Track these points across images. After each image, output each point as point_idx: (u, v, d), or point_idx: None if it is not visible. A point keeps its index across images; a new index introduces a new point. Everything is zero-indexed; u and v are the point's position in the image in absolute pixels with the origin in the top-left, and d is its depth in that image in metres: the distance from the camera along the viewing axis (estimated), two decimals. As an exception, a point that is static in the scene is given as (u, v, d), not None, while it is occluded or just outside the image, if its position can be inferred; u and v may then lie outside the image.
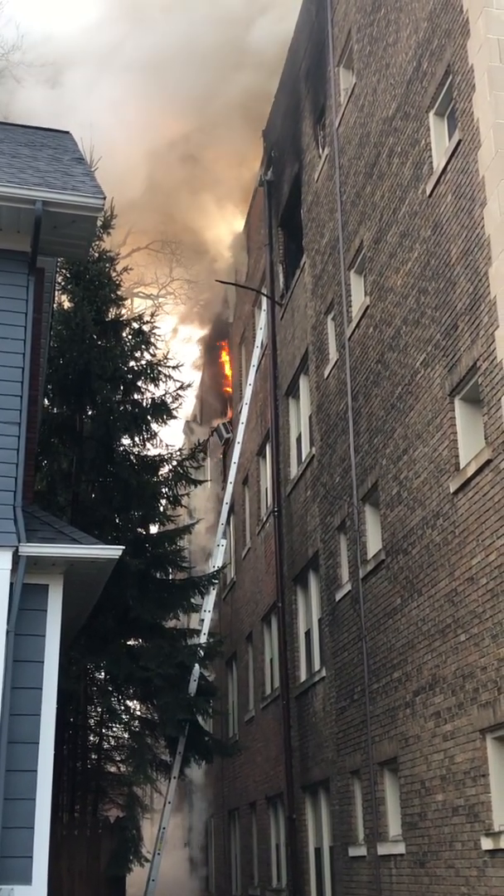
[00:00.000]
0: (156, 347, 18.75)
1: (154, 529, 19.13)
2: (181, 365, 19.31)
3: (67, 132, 14.77)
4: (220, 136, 24.35)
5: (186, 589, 18.44)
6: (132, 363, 18.49)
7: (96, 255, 18.41)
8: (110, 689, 17.86)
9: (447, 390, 11.87)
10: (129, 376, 18.35)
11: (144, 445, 18.69)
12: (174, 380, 18.73)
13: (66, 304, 18.17)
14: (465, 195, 11.57)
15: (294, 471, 19.84)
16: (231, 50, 22.26)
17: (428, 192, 12.69)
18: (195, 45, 22.11)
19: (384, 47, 14.77)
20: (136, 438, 18.60)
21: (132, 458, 18.48)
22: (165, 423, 18.73)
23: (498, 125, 10.87)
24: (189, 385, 19.35)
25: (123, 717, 18.40)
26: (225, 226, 27.62)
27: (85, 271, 18.08)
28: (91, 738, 18.88)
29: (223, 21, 21.97)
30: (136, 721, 18.49)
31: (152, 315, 19.09)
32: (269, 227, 22.32)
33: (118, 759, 19.18)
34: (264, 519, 22.15)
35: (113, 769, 19.29)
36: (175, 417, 18.84)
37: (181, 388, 18.81)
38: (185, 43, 22.10)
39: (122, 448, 18.50)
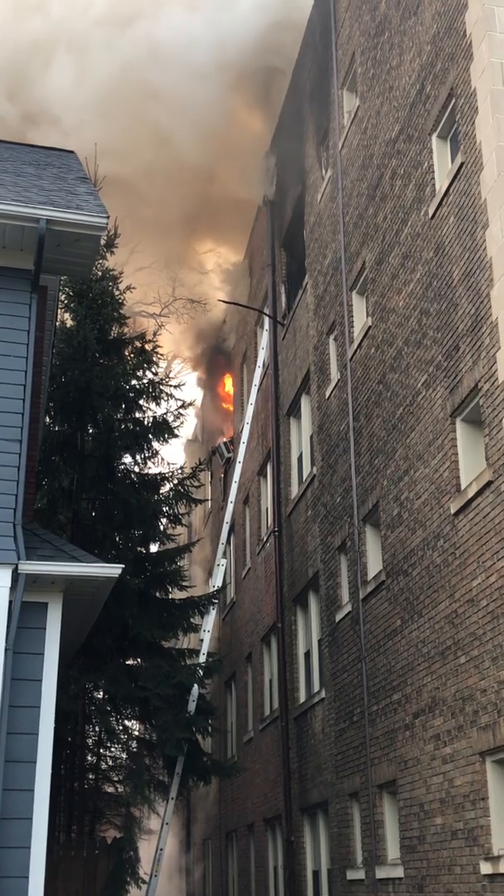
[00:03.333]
0: (157, 366, 18.79)
1: (154, 548, 19.11)
2: (183, 384, 19.38)
3: (72, 151, 14.85)
4: (224, 156, 24.44)
5: (186, 608, 18.39)
6: (134, 381, 18.51)
7: (99, 273, 18.46)
8: (108, 708, 17.78)
9: (448, 411, 11.87)
10: (131, 394, 18.37)
11: (145, 464, 18.70)
12: (175, 398, 18.76)
13: (69, 322, 18.20)
14: (467, 217, 11.61)
15: (295, 490, 19.83)
16: (235, 71, 22.37)
17: (430, 214, 12.74)
18: (196, 64, 22.22)
19: (387, 70, 14.86)
20: (137, 457, 18.61)
21: (133, 476, 18.48)
22: (166, 442, 18.75)
23: (500, 148, 10.92)
24: (190, 404, 19.37)
25: (121, 736, 18.32)
26: (227, 246, 27.71)
27: (88, 290, 18.13)
28: (89, 758, 18.77)
29: (225, 43, 22.10)
30: (135, 741, 18.41)
31: (154, 334, 19.14)
32: (271, 248, 22.41)
33: (116, 779, 19.08)
34: (265, 539, 22.11)
35: (110, 789, 19.19)
36: (176, 436, 18.85)
37: (182, 406, 18.84)
38: (186, 63, 22.21)
39: (122, 466, 18.50)
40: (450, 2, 12.44)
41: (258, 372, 22.31)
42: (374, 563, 14.63)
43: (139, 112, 23.34)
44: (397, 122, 14.30)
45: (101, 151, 17.96)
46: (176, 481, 18.77)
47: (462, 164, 11.80)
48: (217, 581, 20.29)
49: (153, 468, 18.82)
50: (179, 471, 19.10)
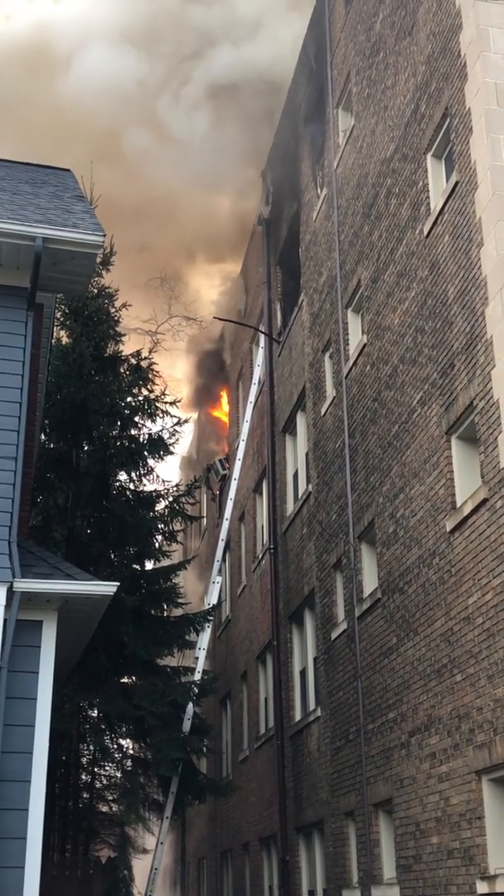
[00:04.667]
0: (153, 383, 18.80)
1: (149, 566, 19.07)
2: (178, 401, 19.36)
3: (68, 170, 14.89)
4: (219, 174, 24.57)
5: (181, 626, 18.34)
6: (129, 399, 18.51)
7: (95, 291, 18.49)
8: (103, 727, 17.70)
9: (444, 429, 11.89)
10: (127, 412, 18.37)
11: (141, 481, 18.68)
12: (171, 416, 18.76)
13: (65, 340, 18.21)
14: (462, 236, 11.66)
15: (290, 508, 19.82)
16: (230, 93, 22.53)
17: (425, 233, 12.79)
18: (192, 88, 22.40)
19: (383, 90, 14.96)
20: (133, 474, 18.59)
21: (128, 493, 18.46)
22: (162, 459, 18.72)
23: (495, 167, 10.99)
24: (186, 421, 19.38)
25: (116, 755, 18.23)
26: (223, 264, 27.79)
27: (84, 307, 18.16)
28: (83, 777, 18.68)
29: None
30: (129, 760, 18.32)
31: (150, 351, 19.16)
32: (267, 266, 22.48)
33: (110, 798, 18.99)
34: (260, 556, 22.09)
35: (105, 808, 19.09)
36: (172, 453, 18.84)
37: (178, 423, 18.84)
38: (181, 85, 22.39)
39: (118, 483, 18.48)
40: (444, 22, 12.54)
41: (254, 389, 22.34)
42: (369, 581, 14.61)
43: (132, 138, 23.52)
44: (392, 141, 14.38)
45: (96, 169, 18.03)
46: (171, 498, 18.76)
47: (457, 183, 11.86)
48: (212, 598, 20.24)
49: (148, 485, 18.81)
50: (175, 488, 19.09)
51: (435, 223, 12.50)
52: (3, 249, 10.66)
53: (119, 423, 18.35)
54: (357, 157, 16.11)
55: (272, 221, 22.57)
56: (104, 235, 10.95)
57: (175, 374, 29.19)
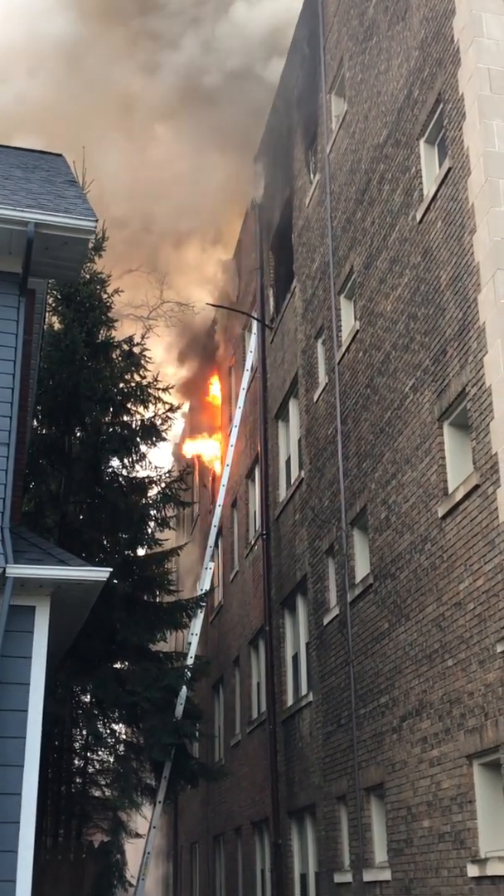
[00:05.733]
0: (145, 369, 18.78)
1: (142, 552, 19.08)
2: (171, 387, 19.35)
3: (60, 155, 14.84)
4: (211, 159, 24.51)
5: (174, 611, 18.38)
6: (122, 385, 18.49)
7: (87, 276, 18.45)
8: (96, 712, 17.75)
9: (436, 415, 11.91)
10: (119, 398, 18.35)
11: (133, 467, 18.67)
12: (163, 402, 18.75)
13: (57, 326, 18.18)
14: (454, 222, 11.66)
15: (283, 494, 19.85)
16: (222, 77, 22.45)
17: (418, 219, 12.79)
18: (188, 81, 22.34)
19: (376, 75, 14.92)
20: (125, 460, 18.58)
21: (120, 479, 18.46)
22: (154, 445, 18.73)
23: (488, 153, 10.98)
24: (178, 407, 19.38)
25: (109, 740, 18.28)
26: (215, 249, 27.73)
27: (76, 293, 18.11)
28: (76, 762, 18.73)
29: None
30: (122, 745, 18.37)
31: (142, 337, 19.13)
32: (259, 251, 22.44)
33: (103, 783, 19.03)
34: (252, 542, 22.12)
35: (98, 793, 19.15)
36: (164, 439, 18.84)
37: (170, 410, 18.84)
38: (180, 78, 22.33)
39: (110, 470, 18.47)
40: (437, 7, 12.50)
41: (246, 375, 22.33)
42: (361, 567, 14.65)
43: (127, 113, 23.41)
44: (385, 126, 14.35)
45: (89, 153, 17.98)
46: (164, 485, 18.76)
47: (450, 169, 11.85)
48: (205, 584, 20.28)
49: (141, 472, 18.81)
50: (167, 474, 19.10)
51: (428, 209, 12.49)
52: (-5, 235, 10.63)
53: (111, 409, 18.33)
54: (350, 143, 16.07)
55: (265, 207, 22.52)
56: (96, 220, 10.93)
57: (167, 360, 29.14)
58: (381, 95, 14.64)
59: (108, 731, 18.36)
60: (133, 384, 18.59)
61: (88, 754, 18.84)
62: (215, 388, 28.65)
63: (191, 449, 30.23)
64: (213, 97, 22.25)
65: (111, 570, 10.85)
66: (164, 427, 18.62)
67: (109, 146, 23.56)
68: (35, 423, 17.32)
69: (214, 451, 27.79)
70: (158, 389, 18.66)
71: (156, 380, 18.82)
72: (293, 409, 19.72)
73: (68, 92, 23.87)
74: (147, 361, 18.84)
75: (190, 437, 30.94)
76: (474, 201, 11.11)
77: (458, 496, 11.04)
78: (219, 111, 22.35)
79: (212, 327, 28.69)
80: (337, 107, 17.36)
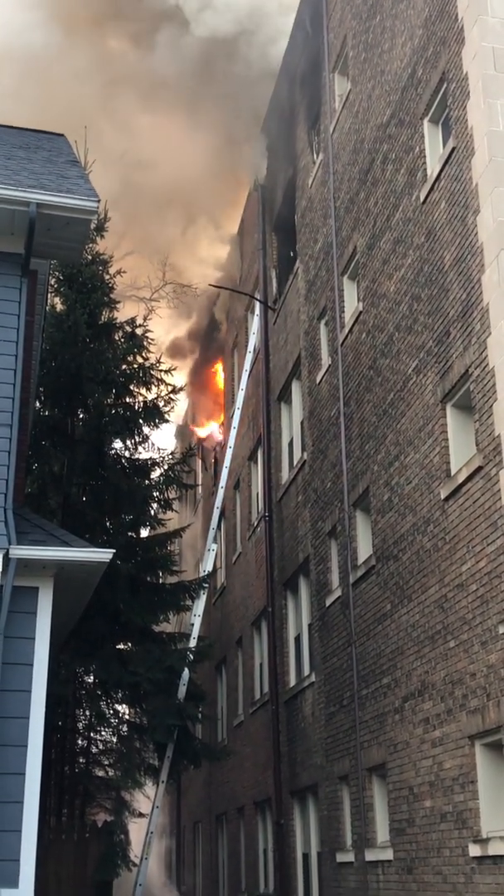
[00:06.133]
0: (148, 351, 18.76)
1: (145, 533, 19.11)
2: (174, 368, 19.36)
3: (62, 135, 14.78)
4: (214, 139, 24.37)
5: (177, 593, 18.42)
6: (124, 366, 18.48)
7: (89, 257, 18.40)
8: (99, 693, 17.82)
9: (439, 397, 11.89)
10: (121, 379, 18.34)
11: (136, 449, 18.69)
12: (166, 383, 18.74)
13: (59, 307, 18.16)
14: (458, 202, 11.60)
15: (285, 476, 19.84)
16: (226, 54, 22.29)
17: (422, 199, 12.72)
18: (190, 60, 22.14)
19: (379, 54, 14.81)
20: (128, 442, 18.60)
21: (123, 461, 18.47)
22: (157, 427, 18.74)
23: (492, 133, 10.91)
24: (181, 389, 19.36)
25: (112, 721, 18.36)
26: (218, 230, 27.64)
27: (78, 274, 18.08)
28: (79, 742, 18.83)
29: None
30: (125, 725, 18.45)
31: (145, 318, 19.10)
32: (262, 232, 22.35)
33: (106, 763, 19.14)
34: (255, 524, 22.14)
35: (101, 773, 19.25)
36: (167, 421, 18.85)
37: (173, 391, 18.82)
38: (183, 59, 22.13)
39: (113, 451, 18.49)
40: (442, -15, 12.39)
41: (249, 357, 22.29)
42: (364, 548, 14.66)
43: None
44: (389, 106, 14.26)
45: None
46: (166, 466, 18.77)
47: (454, 148, 11.78)
48: (208, 566, 20.31)
49: (144, 453, 18.82)
50: (170, 456, 19.10)
51: (431, 189, 12.42)
52: (-3, 215, 10.60)
53: (114, 390, 18.33)
54: (353, 122, 15.98)
55: (268, 187, 22.42)
56: (98, 201, 10.90)
57: (169, 341, 29.11)
58: (384, 74, 14.54)
59: (111, 711, 18.45)
60: (135, 366, 18.57)
61: (92, 735, 18.94)
62: (218, 372, 28.64)
63: (194, 431, 30.25)
64: (216, 77, 22.11)
65: (114, 551, 10.87)
66: (167, 409, 18.62)
67: (107, 127, 23.47)
68: (37, 404, 17.32)
69: (217, 433, 27.79)
70: (161, 371, 18.66)
71: (158, 361, 18.82)
72: (296, 390, 19.69)
73: (69, 68, 23.74)
74: (149, 343, 18.84)
75: (192, 420, 30.94)
76: (478, 181, 11.05)
77: (461, 478, 11.03)
78: (220, 89, 22.21)
79: (210, 307, 28.57)
80: (340, 86, 17.25)
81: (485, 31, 11.29)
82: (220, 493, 21.80)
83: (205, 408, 29.79)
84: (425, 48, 12.90)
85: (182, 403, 31.98)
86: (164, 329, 28.25)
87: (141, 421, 18.45)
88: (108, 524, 18.01)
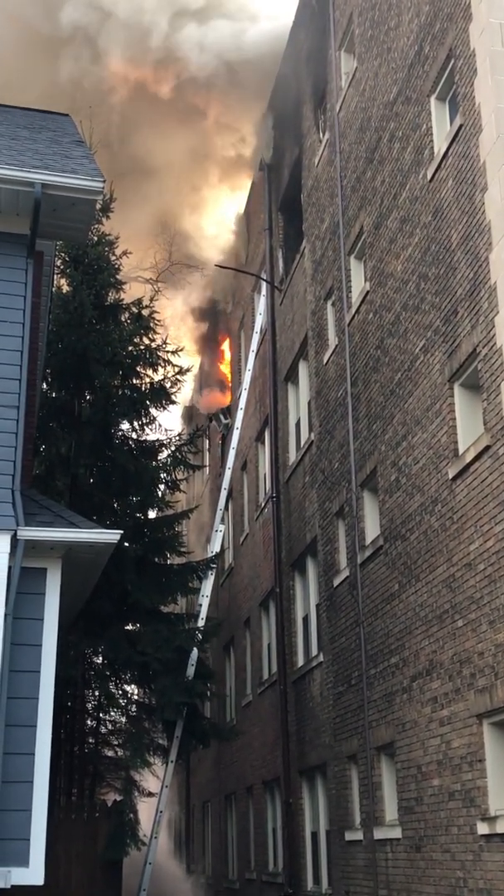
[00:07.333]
0: (155, 332, 18.72)
1: (152, 514, 19.14)
2: (180, 349, 19.31)
3: (67, 115, 14.70)
4: (220, 120, 24.25)
5: (185, 573, 18.47)
6: (131, 348, 18.46)
7: (95, 238, 18.35)
8: (108, 673, 17.90)
9: (447, 376, 11.85)
10: (128, 361, 18.33)
11: (143, 430, 18.70)
12: (173, 364, 18.73)
13: (65, 288, 18.12)
14: (465, 180, 11.52)
15: (293, 456, 19.83)
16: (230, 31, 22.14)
17: (429, 177, 12.64)
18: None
19: (385, 31, 14.69)
20: (135, 423, 18.61)
21: (131, 443, 18.48)
22: (164, 408, 18.74)
23: (499, 110, 10.82)
24: (188, 370, 19.34)
25: (121, 701, 18.45)
26: (224, 210, 27.52)
27: (84, 255, 18.03)
28: (88, 723, 18.93)
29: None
30: (134, 705, 18.55)
31: (151, 299, 19.05)
32: (268, 212, 22.25)
33: (115, 743, 19.24)
34: (262, 504, 22.15)
35: (110, 753, 19.36)
36: (174, 402, 18.86)
37: (180, 372, 18.80)
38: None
39: (120, 433, 18.50)
40: (449, -40, 12.27)
41: (255, 338, 22.23)
42: (371, 528, 14.66)
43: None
44: (395, 83, 14.16)
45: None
46: (174, 448, 18.78)
47: (461, 126, 11.69)
48: (215, 547, 20.35)
49: (151, 435, 18.83)
50: (177, 437, 19.11)
51: (438, 167, 12.34)
52: (2, 196, 10.57)
53: (121, 372, 18.32)
54: (360, 101, 15.87)
55: (274, 166, 22.31)
56: (104, 181, 10.84)
57: (176, 322, 29.04)
58: (391, 52, 14.43)
59: (120, 691, 18.55)
60: (142, 347, 18.55)
61: (101, 715, 19.05)
62: (224, 351, 28.58)
63: (201, 410, 30.22)
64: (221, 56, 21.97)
65: (122, 532, 10.90)
66: (174, 390, 18.62)
67: (109, 112, 23.37)
68: (44, 386, 17.32)
69: (224, 413, 27.75)
70: (168, 352, 18.64)
71: (165, 342, 18.79)
72: (303, 371, 19.65)
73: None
74: (156, 324, 18.80)
75: (200, 399, 30.89)
76: (486, 159, 10.97)
77: (469, 457, 11.01)
78: (225, 68, 22.07)
79: (221, 289, 28.48)
80: (346, 64, 17.12)
81: (492, 7, 11.17)
82: (228, 474, 21.81)
83: (212, 373, 29.72)
84: (432, 24, 12.79)
85: (189, 384, 31.97)
86: (171, 310, 28.18)
87: (148, 402, 18.45)
88: (115, 505, 18.04)
